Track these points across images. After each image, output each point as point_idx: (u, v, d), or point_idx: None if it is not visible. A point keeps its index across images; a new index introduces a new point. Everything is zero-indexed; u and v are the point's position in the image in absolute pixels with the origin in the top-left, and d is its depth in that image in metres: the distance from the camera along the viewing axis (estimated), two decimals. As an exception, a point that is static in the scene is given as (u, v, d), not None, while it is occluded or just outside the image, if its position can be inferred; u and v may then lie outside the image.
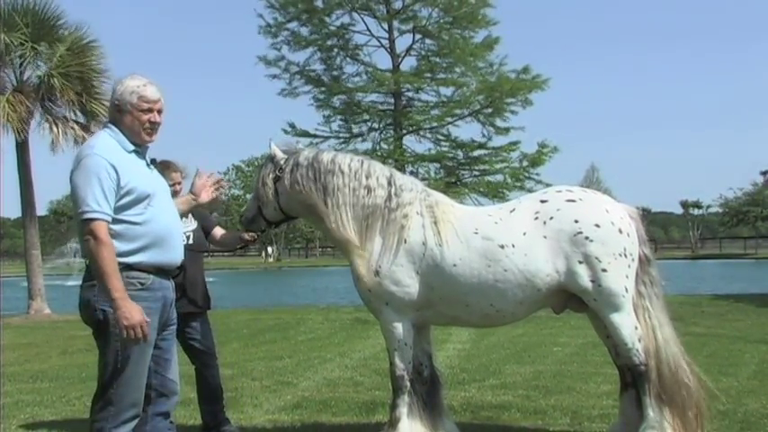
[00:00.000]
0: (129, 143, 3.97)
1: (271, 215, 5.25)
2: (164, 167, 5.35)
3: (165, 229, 3.99)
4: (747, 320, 13.80)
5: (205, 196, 4.72)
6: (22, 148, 19.03)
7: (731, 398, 6.61)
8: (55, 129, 18.82)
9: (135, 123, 3.97)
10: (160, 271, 3.99)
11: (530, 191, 17.11)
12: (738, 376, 7.83)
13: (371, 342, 11.37)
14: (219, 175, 4.86)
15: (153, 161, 4.16)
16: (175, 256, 4.08)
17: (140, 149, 4.04)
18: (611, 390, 6.50)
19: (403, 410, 4.97)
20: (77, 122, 19.16)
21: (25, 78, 19.27)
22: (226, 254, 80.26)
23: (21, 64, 19.12)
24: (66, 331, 14.50)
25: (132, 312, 3.71)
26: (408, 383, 4.99)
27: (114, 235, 3.81)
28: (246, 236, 5.55)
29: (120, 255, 3.82)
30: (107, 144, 3.90)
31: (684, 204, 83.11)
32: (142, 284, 3.89)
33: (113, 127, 4.00)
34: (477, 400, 6.79)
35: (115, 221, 3.81)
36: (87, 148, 3.89)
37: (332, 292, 27.95)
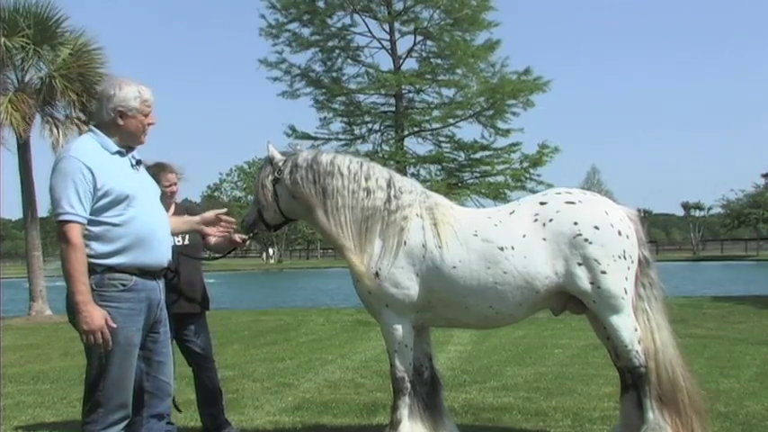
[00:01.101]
0: (113, 145, 3.98)
1: (271, 218, 5.23)
2: (159, 169, 5.35)
3: (148, 229, 3.98)
4: (749, 322, 13.77)
5: (210, 231, 4.86)
6: (23, 150, 19.07)
7: (732, 400, 6.61)
8: (56, 130, 18.86)
9: (138, 127, 4.04)
10: (144, 272, 3.97)
11: (531, 192, 17.15)
12: (740, 378, 7.82)
13: (372, 344, 11.36)
14: (232, 219, 4.93)
15: (139, 161, 4.16)
16: (159, 256, 4.06)
17: (125, 150, 4.05)
18: (613, 392, 6.49)
19: (404, 412, 4.96)
20: (79, 120, 19.16)
21: (27, 80, 19.30)
22: (228, 255, 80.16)
23: (23, 67, 19.15)
24: (68, 333, 14.42)
25: (93, 317, 3.71)
26: (409, 385, 4.98)
27: (94, 237, 3.82)
28: (237, 237, 5.55)
29: (101, 256, 3.83)
30: (85, 147, 3.92)
31: (686, 206, 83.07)
32: (124, 285, 3.89)
33: (96, 130, 4.02)
34: (478, 402, 6.79)
35: (94, 223, 3.82)
36: (64, 151, 3.93)
37: (333, 293, 27.93)
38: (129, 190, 3.92)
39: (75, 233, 3.74)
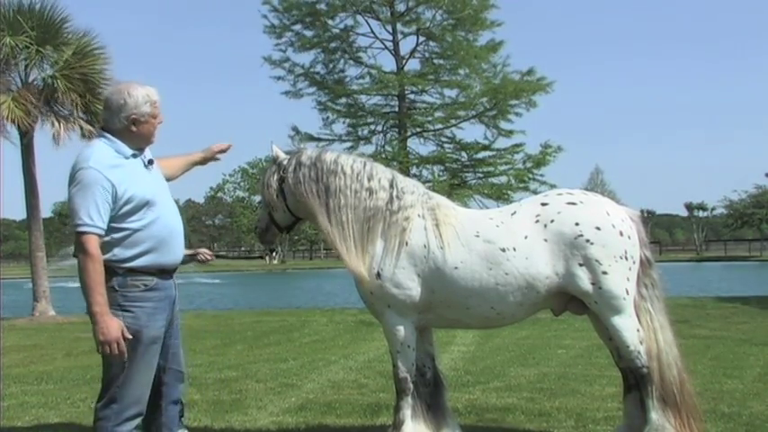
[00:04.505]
0: (127, 149, 4.02)
1: (281, 219, 5.23)
2: None
3: (167, 230, 4.07)
4: (752, 323, 13.75)
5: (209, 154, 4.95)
6: (26, 150, 19.06)
7: (736, 401, 6.60)
8: (57, 124, 18.82)
9: (151, 130, 4.09)
10: (163, 272, 4.06)
11: (534, 192, 17.15)
12: (743, 379, 7.81)
13: (376, 344, 11.36)
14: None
15: (151, 161, 4.19)
16: (178, 255, 4.17)
17: (139, 151, 4.09)
18: (616, 392, 6.49)
19: (407, 413, 4.97)
20: (81, 119, 19.16)
21: (30, 80, 19.31)
22: (230, 255, 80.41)
23: (26, 66, 19.16)
24: (71, 333, 14.54)
25: (109, 328, 3.75)
26: (412, 386, 4.99)
27: (116, 242, 3.88)
28: (204, 251, 5.40)
29: (124, 260, 3.89)
30: (103, 155, 3.93)
31: (689, 206, 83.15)
32: (146, 286, 3.97)
33: (108, 135, 4.03)
34: (481, 403, 6.78)
35: (116, 230, 3.87)
36: (83, 160, 3.91)
37: (336, 294, 27.94)
38: (149, 194, 3.98)
39: (93, 244, 3.78)
